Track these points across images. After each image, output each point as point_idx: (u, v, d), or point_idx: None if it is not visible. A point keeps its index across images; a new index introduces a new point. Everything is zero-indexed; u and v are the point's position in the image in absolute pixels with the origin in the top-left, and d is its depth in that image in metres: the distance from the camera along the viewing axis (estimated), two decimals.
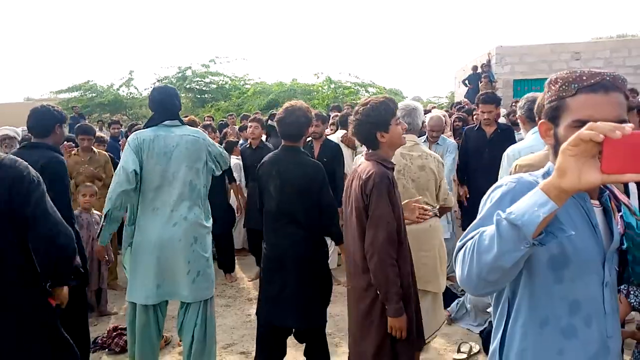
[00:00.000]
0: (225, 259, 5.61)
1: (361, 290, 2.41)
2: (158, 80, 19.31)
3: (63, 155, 3.34)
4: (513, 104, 8.11)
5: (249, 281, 5.50)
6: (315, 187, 2.90)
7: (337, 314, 4.45)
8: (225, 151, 3.33)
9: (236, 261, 5.84)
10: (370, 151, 2.46)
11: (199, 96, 20.22)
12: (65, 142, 5.05)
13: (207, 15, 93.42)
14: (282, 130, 2.99)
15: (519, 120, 3.24)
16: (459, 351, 3.66)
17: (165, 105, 3.13)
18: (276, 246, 2.94)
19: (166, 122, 3.11)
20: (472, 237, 1.18)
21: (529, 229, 1.04)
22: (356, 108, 2.47)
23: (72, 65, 55.94)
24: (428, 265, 3.11)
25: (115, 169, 3.59)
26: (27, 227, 2.04)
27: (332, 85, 18.05)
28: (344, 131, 5.87)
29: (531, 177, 1.32)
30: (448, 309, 4.14)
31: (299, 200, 2.88)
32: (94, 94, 19.59)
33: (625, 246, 1.34)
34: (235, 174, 5.66)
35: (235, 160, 5.96)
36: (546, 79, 1.38)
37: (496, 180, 1.71)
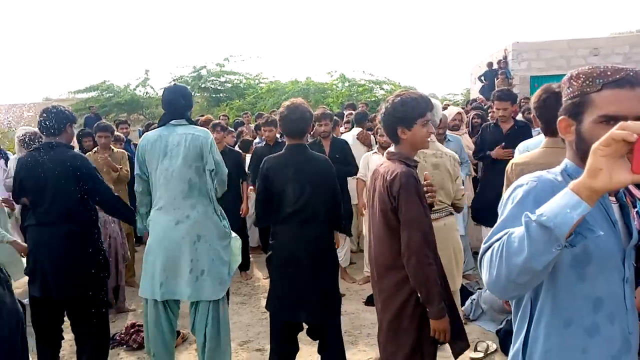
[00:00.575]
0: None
1: (388, 292, 2.32)
2: (173, 80, 19.44)
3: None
4: (522, 101, 7.96)
5: (264, 279, 5.53)
6: (329, 181, 2.97)
7: (353, 312, 4.46)
8: (224, 169, 3.26)
9: (251, 259, 5.87)
10: (391, 150, 2.41)
11: (214, 95, 20.34)
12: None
13: (222, 14, 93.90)
14: (289, 127, 2.98)
15: (532, 117, 3.21)
16: (475, 350, 3.64)
17: (172, 105, 3.17)
18: (290, 244, 2.93)
19: (172, 122, 3.15)
20: (498, 239, 1.17)
21: (562, 231, 1.04)
22: (389, 98, 2.40)
23: (89, 65, 56.71)
24: (444, 264, 3.09)
25: (132, 166, 3.76)
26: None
27: (347, 83, 18.02)
28: (359, 129, 5.88)
29: (550, 175, 1.31)
30: (463, 307, 4.11)
31: (316, 196, 2.90)
32: (111, 94, 19.80)
33: None
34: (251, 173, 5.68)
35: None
36: (564, 75, 1.36)
37: None
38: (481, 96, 13.06)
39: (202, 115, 9.65)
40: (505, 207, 1.30)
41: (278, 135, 5.76)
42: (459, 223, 4.10)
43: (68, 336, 3.31)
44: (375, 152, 4.71)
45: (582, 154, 1.29)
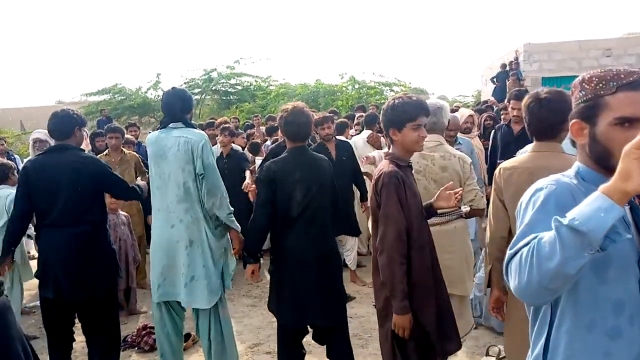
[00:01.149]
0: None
1: (376, 288, 2.49)
2: (185, 83, 19.56)
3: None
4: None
5: None
6: (333, 181, 3.01)
7: (363, 315, 4.44)
8: (215, 169, 3.16)
9: (261, 261, 5.86)
10: (389, 150, 2.51)
11: (224, 98, 20.41)
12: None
13: (231, 17, 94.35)
14: (294, 130, 2.97)
15: None
16: (487, 354, 3.61)
17: (170, 108, 3.20)
18: (296, 247, 2.92)
19: (170, 125, 3.18)
20: (526, 244, 1.17)
21: (596, 235, 1.04)
22: (389, 99, 2.51)
23: (102, 68, 57.16)
24: (453, 268, 3.05)
25: (147, 169, 3.87)
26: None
27: (357, 86, 17.98)
28: (370, 131, 5.87)
29: (566, 178, 1.32)
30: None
31: (323, 197, 2.92)
32: (122, 97, 19.94)
33: None
34: None
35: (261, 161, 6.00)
36: (575, 76, 1.37)
37: None
38: (492, 98, 12.98)
39: (212, 118, 9.74)
40: (526, 211, 1.29)
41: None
42: (469, 227, 4.06)
43: (79, 338, 3.33)
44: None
45: (596, 157, 1.30)
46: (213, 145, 4.06)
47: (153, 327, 3.96)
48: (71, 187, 3.01)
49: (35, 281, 3.33)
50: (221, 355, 3.18)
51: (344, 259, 5.19)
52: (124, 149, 5.51)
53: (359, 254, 5.65)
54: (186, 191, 3.09)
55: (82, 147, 3.27)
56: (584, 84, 1.31)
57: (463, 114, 5.43)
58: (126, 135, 6.01)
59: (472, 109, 8.34)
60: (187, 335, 3.89)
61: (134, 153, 5.72)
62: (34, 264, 3.87)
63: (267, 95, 18.52)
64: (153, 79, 20.40)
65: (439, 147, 3.15)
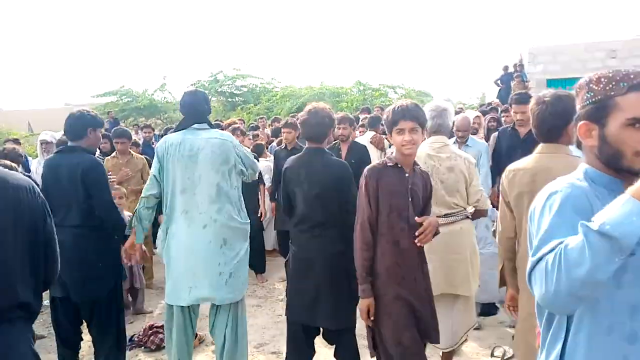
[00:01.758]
0: (256, 259, 5.66)
1: None
2: (192, 85, 19.68)
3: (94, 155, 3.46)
4: None
5: (280, 282, 5.55)
6: (345, 186, 2.92)
7: None
8: (254, 159, 3.29)
9: (267, 262, 5.90)
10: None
11: (230, 99, 20.49)
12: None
13: (237, 20, 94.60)
14: (306, 131, 3.02)
15: None
16: (492, 355, 3.61)
17: (194, 109, 3.19)
18: (305, 248, 2.95)
19: (195, 126, 3.17)
20: (550, 251, 1.15)
21: (630, 240, 1.02)
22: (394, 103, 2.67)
23: (109, 71, 57.47)
24: (458, 269, 3.08)
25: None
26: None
27: (361, 88, 18.03)
28: (373, 133, 5.87)
29: (576, 180, 1.30)
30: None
31: (328, 201, 2.89)
32: (129, 99, 20.08)
33: None
34: (265, 176, 5.72)
35: (265, 163, 6.03)
36: (580, 78, 1.36)
37: None
38: (497, 100, 12.96)
39: (218, 120, 9.79)
40: (542, 216, 1.27)
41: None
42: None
43: (87, 337, 3.36)
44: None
45: (606, 158, 1.28)
46: None
47: (160, 327, 3.99)
48: (73, 188, 3.04)
49: None
50: (233, 354, 3.17)
51: None
52: (131, 151, 5.56)
53: None
54: (219, 191, 3.09)
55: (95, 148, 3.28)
56: (591, 84, 1.29)
57: (471, 115, 5.43)
58: (134, 138, 6.06)
59: (476, 110, 8.36)
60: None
61: (141, 156, 5.76)
62: None
63: (273, 97, 18.58)
64: (160, 81, 20.57)
65: (444, 148, 3.17)
